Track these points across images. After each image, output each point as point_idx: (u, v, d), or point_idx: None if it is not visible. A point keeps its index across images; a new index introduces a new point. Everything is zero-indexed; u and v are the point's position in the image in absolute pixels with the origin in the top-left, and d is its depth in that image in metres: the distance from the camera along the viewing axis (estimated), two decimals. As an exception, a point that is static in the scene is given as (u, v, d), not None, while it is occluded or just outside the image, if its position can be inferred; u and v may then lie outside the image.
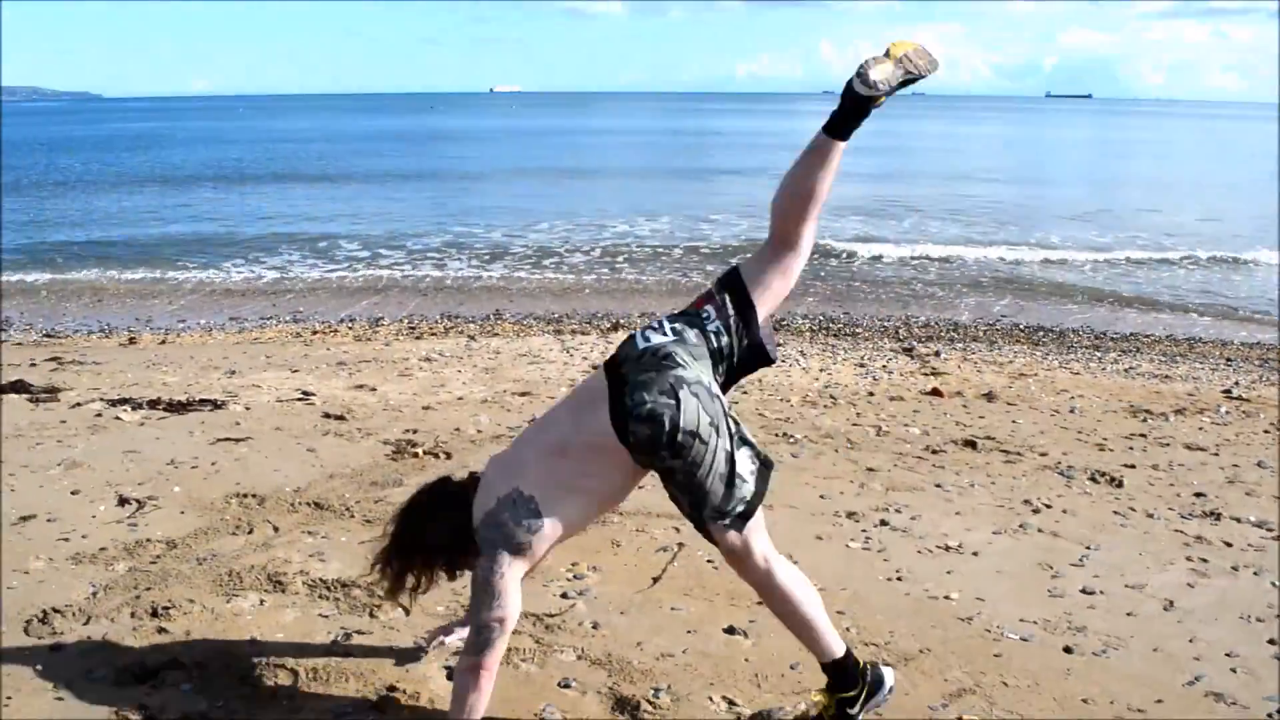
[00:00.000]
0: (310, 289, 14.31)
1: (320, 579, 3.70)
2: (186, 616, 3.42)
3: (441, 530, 2.78)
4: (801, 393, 7.24)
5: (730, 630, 3.42)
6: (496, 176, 31.85)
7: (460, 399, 6.70)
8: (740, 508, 2.60)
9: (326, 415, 6.11)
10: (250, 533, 4.17)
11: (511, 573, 2.63)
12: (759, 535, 2.68)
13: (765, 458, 2.68)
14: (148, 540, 4.06)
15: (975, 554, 4.20)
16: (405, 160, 39.07)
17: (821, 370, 8.21)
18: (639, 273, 15.42)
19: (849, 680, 2.77)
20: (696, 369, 2.61)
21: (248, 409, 6.28)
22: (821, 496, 4.84)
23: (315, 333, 10.49)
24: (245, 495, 4.60)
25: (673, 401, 2.51)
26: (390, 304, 13.05)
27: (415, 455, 5.25)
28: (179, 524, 4.25)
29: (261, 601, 3.54)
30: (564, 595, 3.65)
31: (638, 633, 3.39)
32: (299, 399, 6.59)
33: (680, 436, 2.50)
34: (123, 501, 4.52)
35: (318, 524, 4.26)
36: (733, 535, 2.63)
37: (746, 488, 2.60)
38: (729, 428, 2.59)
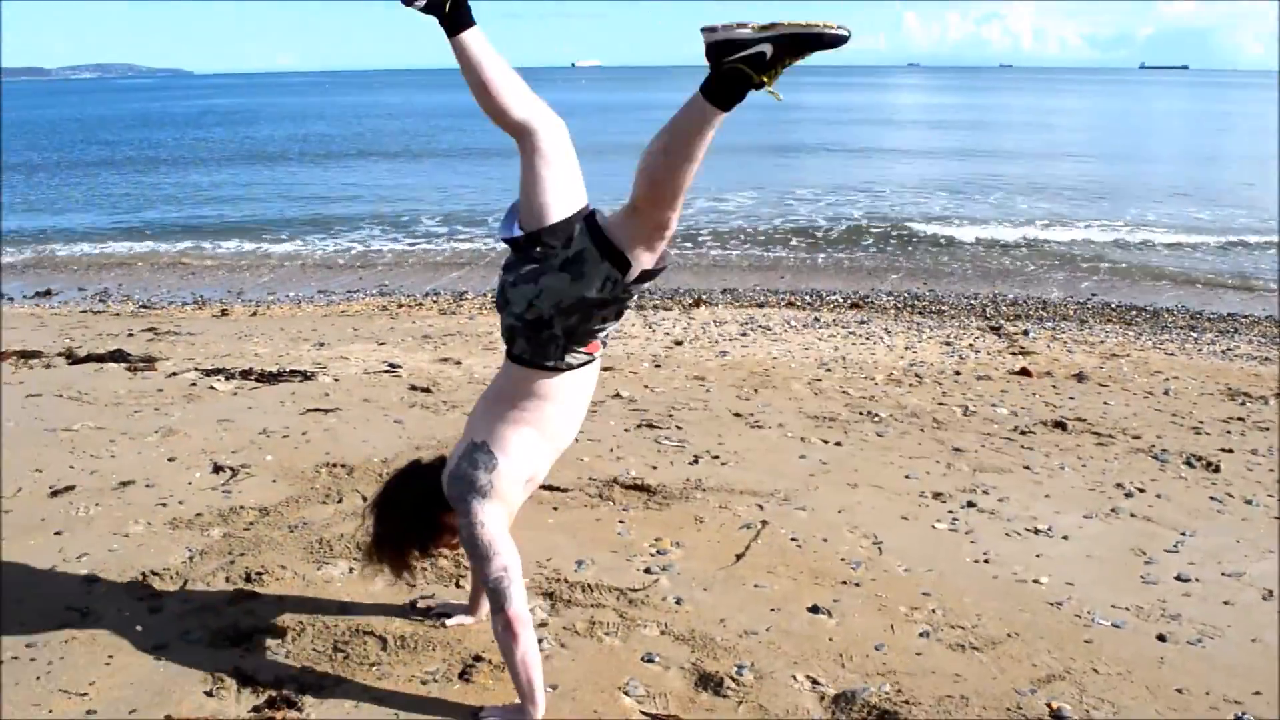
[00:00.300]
0: (394, 263, 14.52)
1: (407, 549, 3.76)
2: (279, 582, 3.50)
3: (415, 498, 2.87)
4: (886, 371, 7.15)
5: (814, 609, 3.40)
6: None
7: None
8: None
9: (413, 388, 6.19)
10: (340, 502, 4.25)
11: (489, 519, 2.66)
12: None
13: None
14: (241, 507, 4.16)
15: (1065, 538, 4.11)
16: (485, 136, 39.29)
17: (906, 348, 8.10)
18: (722, 247, 15.33)
19: None
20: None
21: (336, 380, 6.40)
22: (907, 476, 4.78)
23: (401, 306, 10.65)
24: (335, 465, 4.69)
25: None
26: (474, 278, 13.20)
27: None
28: (271, 492, 4.35)
29: (351, 569, 3.61)
30: (647, 570, 3.66)
31: (721, 609, 3.38)
32: (386, 371, 6.70)
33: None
34: (217, 469, 4.64)
35: (404, 494, 4.33)
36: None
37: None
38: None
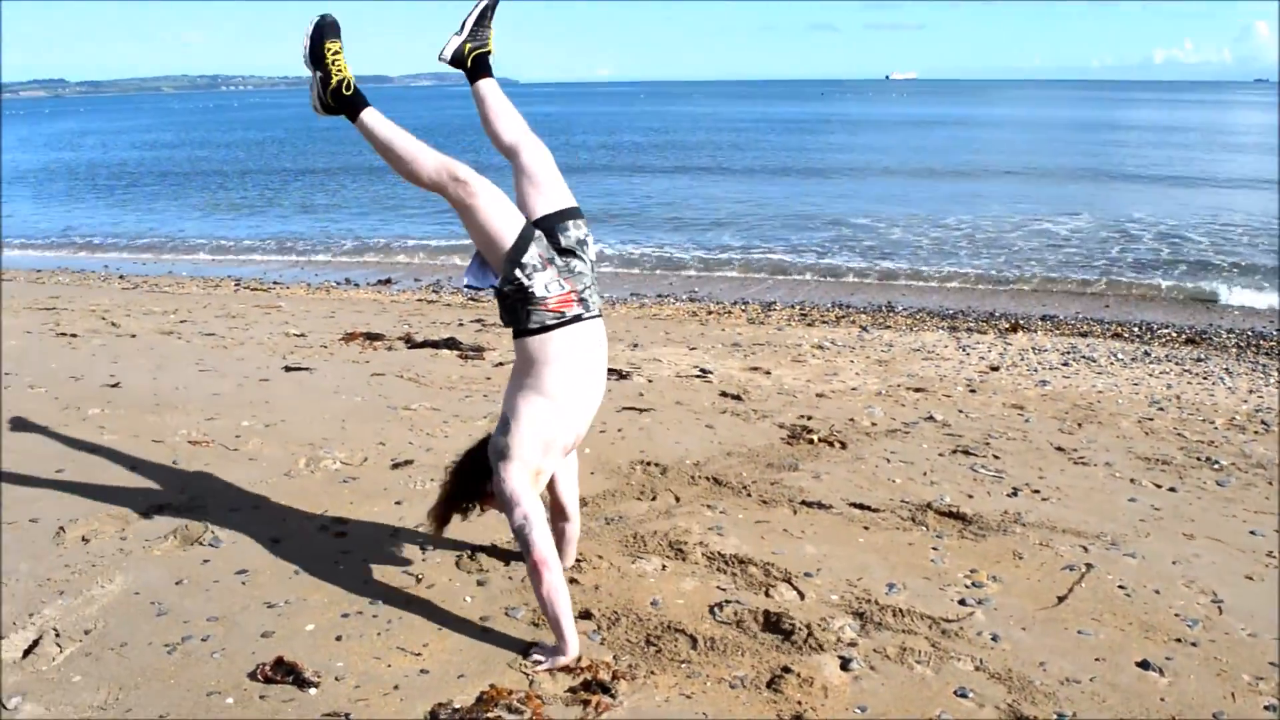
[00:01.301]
0: (702, 270, 14.82)
1: (719, 552, 3.81)
2: (595, 571, 3.65)
3: (473, 467, 3.30)
4: (1228, 415, 6.57)
5: (1144, 665, 3.17)
6: (895, 171, 31.30)
7: (854, 389, 6.67)
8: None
9: (723, 394, 6.29)
10: (654, 499, 4.37)
11: (509, 476, 3.08)
12: None
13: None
14: (562, 495, 4.36)
15: None
16: (781, 155, 39.32)
17: (1251, 391, 7.42)
18: (1046, 271, 14.59)
19: None
20: None
21: (650, 381, 6.59)
22: (1252, 533, 4.37)
23: (710, 313, 10.83)
24: (649, 463, 4.84)
25: None
26: (781, 289, 13.25)
27: (810, 442, 5.29)
28: (589, 484, 4.53)
29: (663, 566, 3.70)
30: (962, 602, 3.53)
31: (1040, 652, 3.22)
32: (697, 376, 6.84)
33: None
34: (540, 457, 4.88)
35: (716, 498, 4.40)
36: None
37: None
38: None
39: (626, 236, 17.84)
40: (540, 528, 3.03)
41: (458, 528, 3.96)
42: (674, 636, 3.20)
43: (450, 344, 7.69)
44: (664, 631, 3.23)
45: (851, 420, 5.82)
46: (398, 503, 4.27)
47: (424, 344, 7.74)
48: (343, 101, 3.12)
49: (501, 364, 7.02)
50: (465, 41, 3.40)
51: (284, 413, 5.36)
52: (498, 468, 3.10)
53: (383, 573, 3.60)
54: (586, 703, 2.83)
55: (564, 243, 3.12)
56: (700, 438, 5.32)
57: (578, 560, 3.69)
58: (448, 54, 3.40)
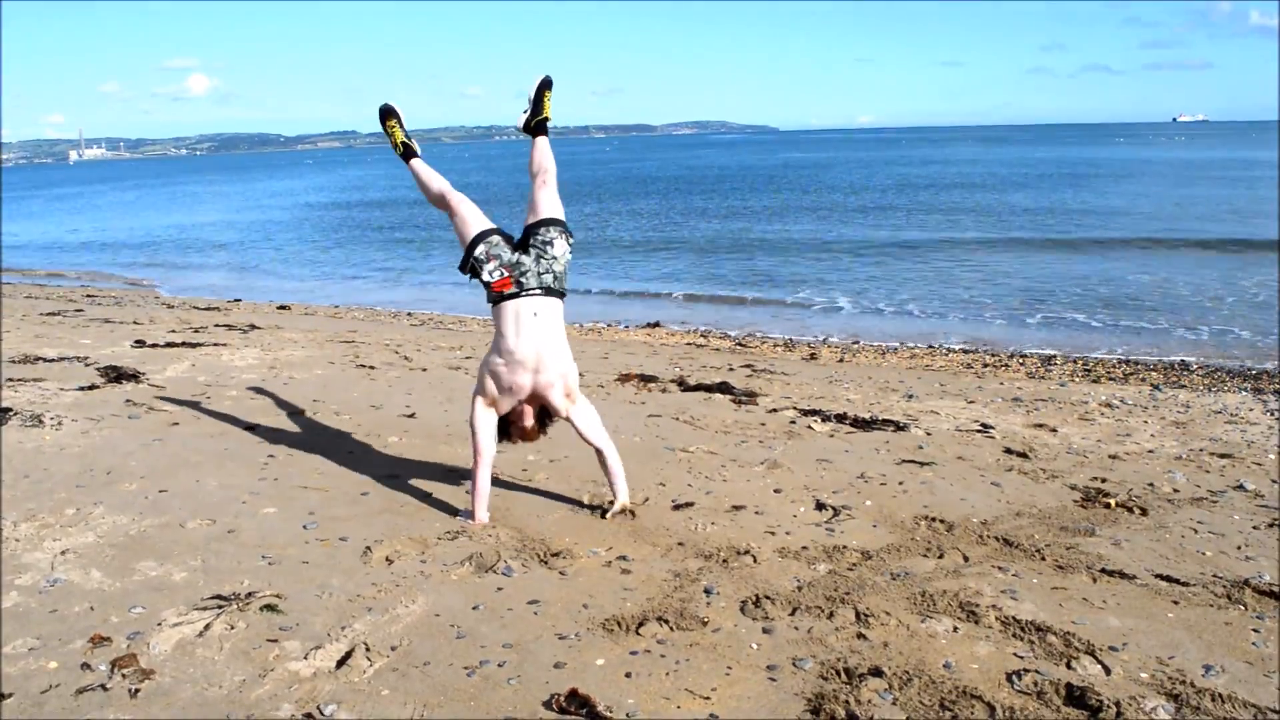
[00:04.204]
0: (967, 317, 14.35)
1: (1014, 617, 3.62)
2: (884, 627, 3.54)
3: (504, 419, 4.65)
4: None
5: None
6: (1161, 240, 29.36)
7: (1150, 451, 6.23)
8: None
9: (1008, 451, 6.02)
10: (940, 557, 4.22)
11: (472, 399, 4.57)
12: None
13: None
14: (844, 547, 4.28)
15: None
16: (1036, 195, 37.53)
17: None
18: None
19: None
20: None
21: (928, 434, 6.40)
22: None
23: (986, 365, 10.45)
24: (933, 519, 4.68)
25: None
26: (1057, 338, 12.63)
27: (1107, 506, 4.97)
28: (871, 536, 4.44)
29: (955, 629, 3.55)
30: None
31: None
32: (978, 430, 6.58)
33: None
34: (819, 506, 4.82)
35: (1008, 560, 4.19)
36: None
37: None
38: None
39: (872, 282, 17.51)
40: (482, 432, 4.48)
41: (742, 573, 3.98)
42: (970, 703, 3.06)
43: (723, 388, 7.75)
44: (959, 697, 3.09)
45: (1151, 485, 5.43)
46: (680, 544, 4.31)
47: (697, 387, 7.84)
48: (402, 153, 5.00)
49: (775, 410, 7.01)
50: (530, 117, 4.93)
51: (566, 448, 5.53)
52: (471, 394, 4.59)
53: (668, 612, 3.63)
54: (881, 764, 2.74)
55: (532, 240, 4.49)
56: (986, 495, 5.10)
57: (864, 614, 3.60)
58: (519, 124, 4.99)
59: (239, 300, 17.75)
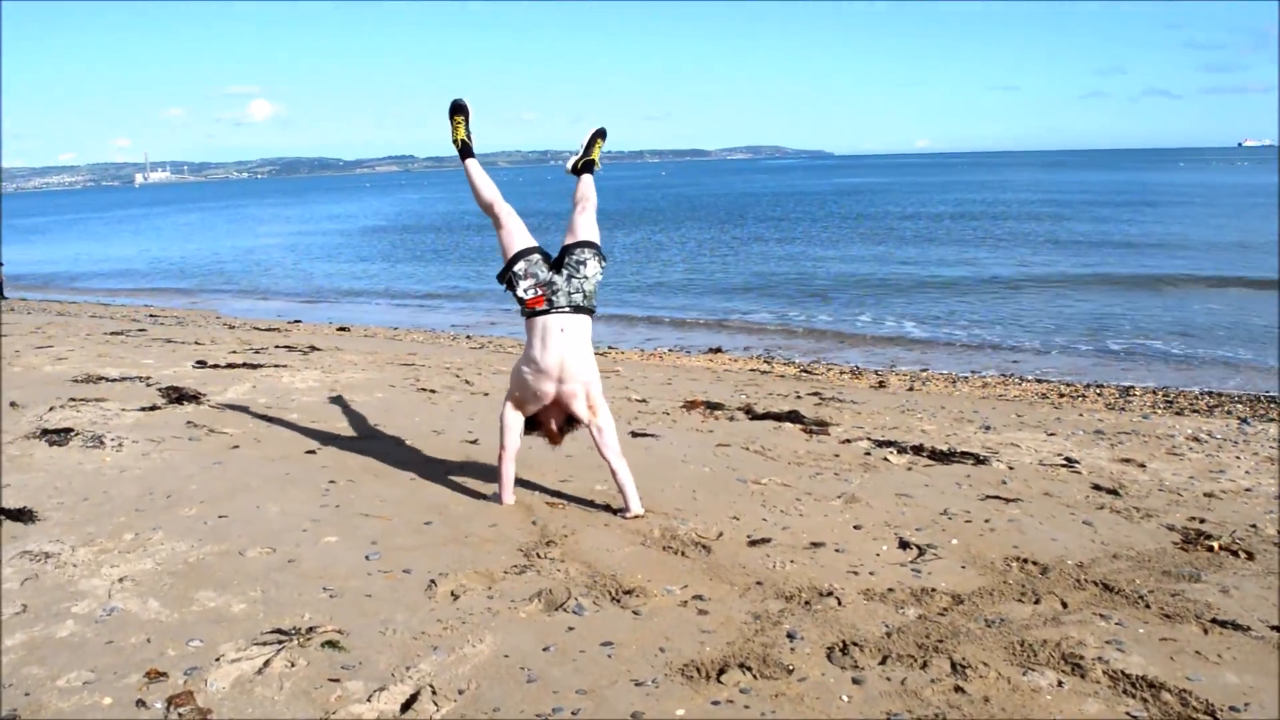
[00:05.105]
0: (1041, 353, 13.97)
1: (1123, 671, 3.36)
2: (983, 680, 3.29)
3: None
4: None
5: None
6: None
7: (1248, 490, 5.90)
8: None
9: (1096, 487, 5.72)
10: (1037, 602, 3.95)
11: (504, 403, 5.01)
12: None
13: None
14: (933, 590, 4.03)
15: None
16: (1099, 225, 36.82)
17: None
18: None
19: None
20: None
21: (1010, 468, 6.12)
22: None
23: (1062, 395, 10.11)
24: (1025, 560, 4.41)
25: None
26: (1138, 369, 12.24)
27: (1210, 549, 4.67)
28: (961, 578, 4.18)
29: (1060, 683, 3.29)
30: None
31: None
32: (1062, 465, 6.28)
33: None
34: (903, 544, 4.57)
35: (1110, 608, 3.91)
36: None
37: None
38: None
39: (945, 308, 17.15)
40: (510, 431, 4.93)
41: (826, 616, 3.75)
42: (1083, 768, 2.81)
43: (793, 417, 7.51)
44: (1071, 761, 2.84)
45: (1254, 527, 5.11)
46: (758, 583, 4.09)
47: (766, 415, 7.61)
48: (459, 149, 5.31)
49: (848, 440, 6.76)
50: (579, 159, 5.47)
51: (635, 478, 5.34)
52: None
53: (750, 657, 3.41)
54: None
55: (566, 260, 4.86)
56: (1078, 535, 4.82)
57: (960, 665, 3.36)
58: (568, 166, 5.51)
59: (299, 321, 17.84)
